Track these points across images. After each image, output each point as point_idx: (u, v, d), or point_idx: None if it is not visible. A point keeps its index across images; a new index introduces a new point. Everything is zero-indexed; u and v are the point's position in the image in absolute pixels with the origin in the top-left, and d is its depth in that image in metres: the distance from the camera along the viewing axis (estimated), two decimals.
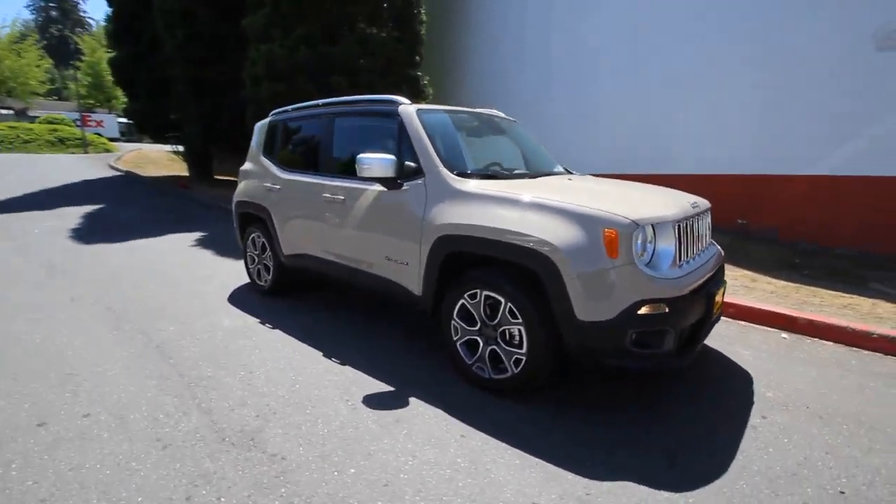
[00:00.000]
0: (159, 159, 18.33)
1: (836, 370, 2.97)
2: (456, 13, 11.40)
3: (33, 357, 2.99)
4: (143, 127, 14.14)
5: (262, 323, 3.63)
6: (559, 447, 2.12)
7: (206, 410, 2.41)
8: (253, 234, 4.30)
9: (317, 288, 4.49)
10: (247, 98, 10.03)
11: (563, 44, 8.51)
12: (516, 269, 2.41)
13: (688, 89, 6.59)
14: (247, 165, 4.46)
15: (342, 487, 1.87)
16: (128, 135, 33.11)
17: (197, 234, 7.38)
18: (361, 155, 2.83)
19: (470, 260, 2.62)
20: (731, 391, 2.69)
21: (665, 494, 1.84)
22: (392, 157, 2.81)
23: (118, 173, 15.12)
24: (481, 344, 2.59)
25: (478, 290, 2.53)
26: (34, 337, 3.28)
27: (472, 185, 2.68)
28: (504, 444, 2.14)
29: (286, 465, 2.00)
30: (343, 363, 2.96)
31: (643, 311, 2.16)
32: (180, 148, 15.07)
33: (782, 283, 4.56)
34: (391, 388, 2.65)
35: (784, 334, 3.54)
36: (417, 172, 2.86)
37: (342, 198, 3.28)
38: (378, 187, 3.04)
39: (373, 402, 2.50)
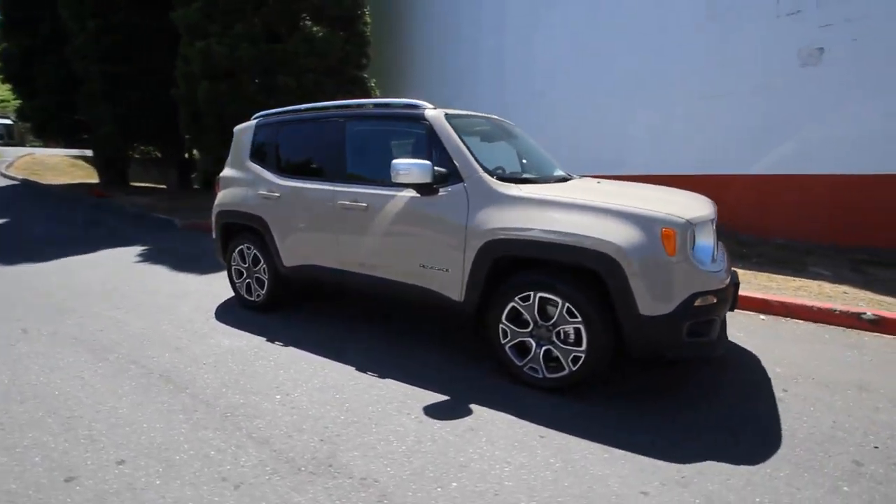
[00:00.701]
0: (58, 165, 16.19)
1: (817, 344, 3.41)
2: (405, 17, 11.36)
3: (11, 402, 2.54)
4: (42, 129, 12.41)
5: (270, 341, 3.39)
6: (635, 437, 2.23)
7: (262, 440, 2.21)
8: (241, 247, 3.98)
9: (307, 299, 4.27)
10: (179, 98, 9.18)
11: (517, 52, 8.82)
12: (572, 269, 2.49)
13: (639, 98, 7.14)
14: (228, 172, 4.12)
15: (451, 502, 1.82)
16: (6, 138, 28.86)
17: (138, 249, 6.68)
18: (397, 161, 2.75)
19: (516, 264, 2.66)
20: (748, 370, 2.99)
21: (746, 468, 2.01)
22: (428, 162, 2.76)
23: (13, 182, 13.12)
24: (534, 345, 2.63)
25: (531, 293, 2.57)
26: None
27: (516, 189, 2.72)
28: (585, 440, 2.21)
29: (383, 487, 1.90)
30: (382, 376, 2.85)
31: (698, 303, 2.34)
32: (88, 152, 13.45)
33: (740, 270, 5.11)
34: (446, 398, 2.60)
35: (762, 316, 3.99)
36: (452, 177, 2.84)
37: (364, 205, 3.16)
38: (407, 193, 2.97)
39: (436, 413, 2.45)
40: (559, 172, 3.82)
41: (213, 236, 4.25)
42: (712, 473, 1.98)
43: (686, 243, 2.33)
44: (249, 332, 3.56)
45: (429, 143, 2.98)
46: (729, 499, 1.83)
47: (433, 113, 3.03)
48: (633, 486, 1.90)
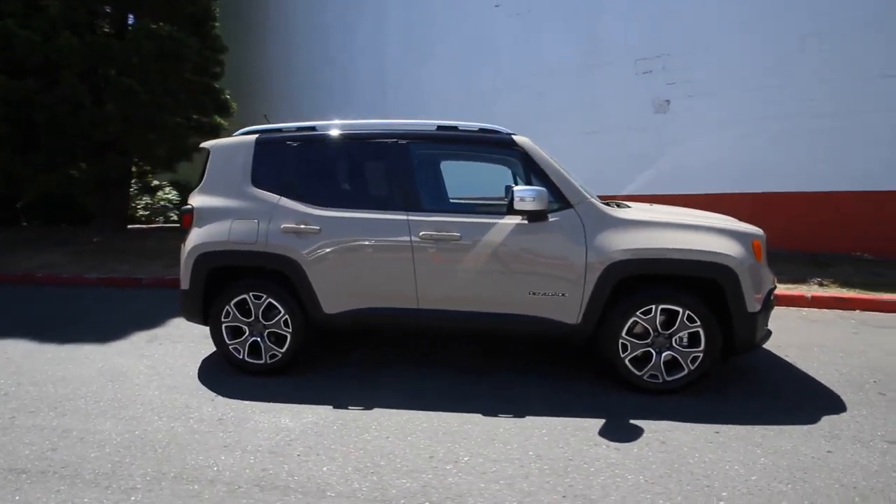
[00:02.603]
0: None
1: (795, 321, 4.51)
2: (260, 22, 10.21)
3: None
4: None
5: (342, 407, 2.77)
6: (751, 420, 2.65)
7: None
8: (240, 297, 3.10)
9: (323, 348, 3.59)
10: None
11: (401, 84, 8.92)
12: (688, 280, 2.83)
13: (526, 133, 8.10)
14: (208, 201, 3.17)
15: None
16: None
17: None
18: (520, 188, 2.70)
19: (637, 281, 2.87)
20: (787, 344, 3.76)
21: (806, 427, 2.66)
22: (545, 189, 2.76)
23: None
24: (654, 354, 2.88)
25: (653, 306, 2.81)
26: None
27: (623, 213, 2.93)
28: (741, 428, 2.54)
29: None
30: (518, 415, 2.67)
31: (772, 297, 2.97)
32: None
33: None
34: (602, 420, 2.61)
35: None
36: (557, 203, 2.89)
37: (457, 235, 2.89)
38: (511, 220, 2.87)
39: (614, 436, 2.45)
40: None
41: (183, 287, 3.18)
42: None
43: (763, 251, 2.93)
44: (300, 402, 2.83)
45: (525, 170, 2.95)
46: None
47: (522, 139, 3.00)
48: (808, 453, 2.31)
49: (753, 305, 2.80)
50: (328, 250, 3.00)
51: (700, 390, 2.92)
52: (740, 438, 2.42)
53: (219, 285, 3.17)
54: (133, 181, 10.58)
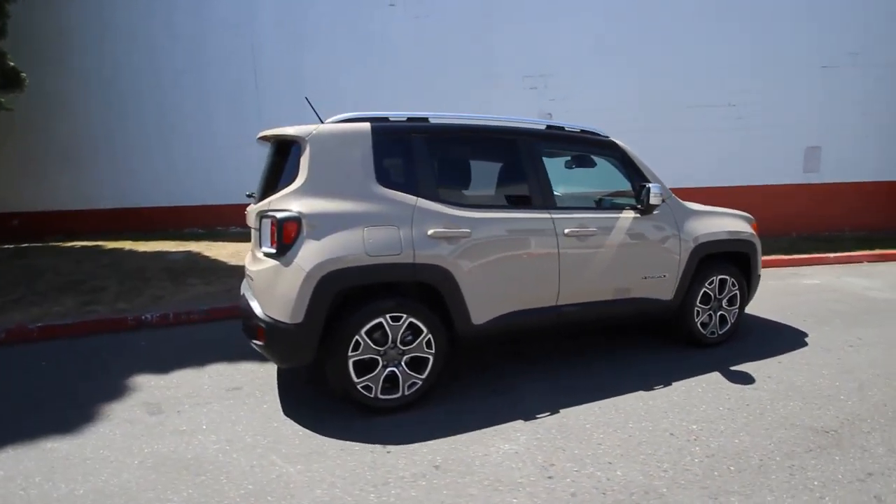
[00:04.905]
0: None
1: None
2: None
3: None
4: None
5: (532, 418, 2.62)
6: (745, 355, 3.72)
7: None
8: (376, 321, 2.52)
9: None
10: None
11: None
12: (732, 255, 3.66)
13: None
14: (328, 206, 2.48)
15: None
16: None
17: None
18: (653, 184, 3.06)
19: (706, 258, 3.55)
20: None
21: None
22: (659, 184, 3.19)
23: None
24: (712, 315, 3.62)
25: (714, 276, 3.56)
26: None
27: (690, 205, 3.57)
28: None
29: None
30: (646, 389, 3.04)
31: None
32: None
33: None
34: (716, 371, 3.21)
35: None
36: None
37: (593, 230, 3.03)
38: (628, 214, 3.19)
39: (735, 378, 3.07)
40: None
41: (293, 321, 2.39)
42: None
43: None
44: (475, 428, 2.52)
45: (626, 168, 3.30)
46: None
47: (617, 140, 3.33)
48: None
49: (759, 269, 3.85)
50: (478, 255, 2.73)
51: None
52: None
53: (342, 311, 2.49)
54: None
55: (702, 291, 3.52)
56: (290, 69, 8.21)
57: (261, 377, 3.17)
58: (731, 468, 2.17)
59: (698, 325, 3.56)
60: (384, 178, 2.60)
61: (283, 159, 2.74)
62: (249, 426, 2.55)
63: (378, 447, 2.34)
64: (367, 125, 2.64)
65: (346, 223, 2.47)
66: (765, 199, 8.04)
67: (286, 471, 2.16)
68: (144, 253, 6.52)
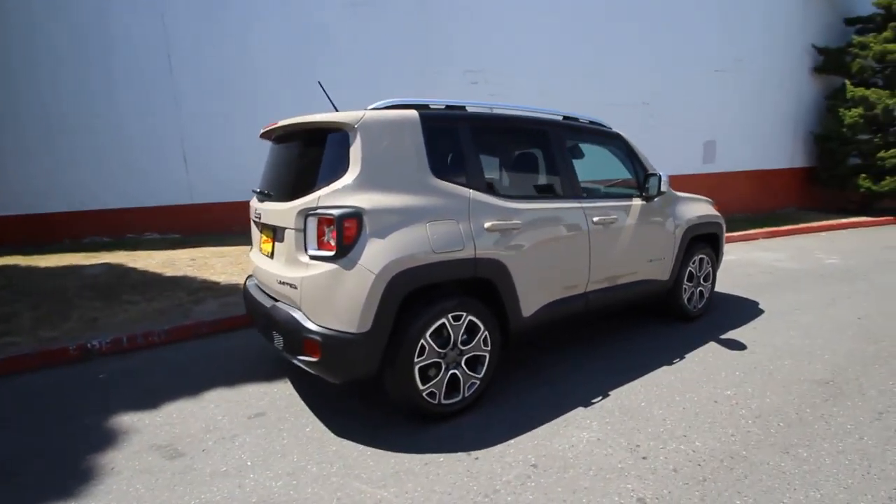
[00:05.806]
0: None
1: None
2: None
3: None
4: None
5: (584, 405, 2.67)
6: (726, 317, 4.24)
7: None
8: (438, 323, 2.38)
9: None
10: None
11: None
12: (706, 236, 4.06)
13: None
14: (387, 200, 2.25)
15: None
16: None
17: None
18: (660, 173, 3.28)
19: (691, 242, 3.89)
20: None
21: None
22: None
23: None
24: (695, 291, 4.01)
25: (697, 257, 3.93)
26: None
27: (677, 192, 3.88)
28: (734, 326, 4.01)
29: None
30: (670, 363, 3.29)
31: None
32: None
33: None
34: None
35: None
36: None
37: (614, 217, 3.15)
38: (637, 202, 3.38)
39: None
40: None
41: (360, 330, 2.15)
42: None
43: None
44: (538, 424, 2.52)
45: (630, 158, 3.49)
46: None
47: (621, 132, 3.51)
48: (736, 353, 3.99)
49: (724, 247, 4.34)
50: (527, 246, 2.69)
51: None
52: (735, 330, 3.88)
53: (409, 312, 2.30)
54: None
55: (688, 270, 3.87)
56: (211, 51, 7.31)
57: (280, 399, 2.80)
58: (781, 424, 2.43)
59: (685, 300, 3.91)
60: (438, 170, 2.44)
61: (314, 151, 2.44)
62: (304, 454, 2.25)
63: (462, 455, 2.22)
64: (414, 112, 2.44)
65: (409, 218, 2.27)
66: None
67: (382, 496, 1.95)
68: (48, 269, 5.36)
